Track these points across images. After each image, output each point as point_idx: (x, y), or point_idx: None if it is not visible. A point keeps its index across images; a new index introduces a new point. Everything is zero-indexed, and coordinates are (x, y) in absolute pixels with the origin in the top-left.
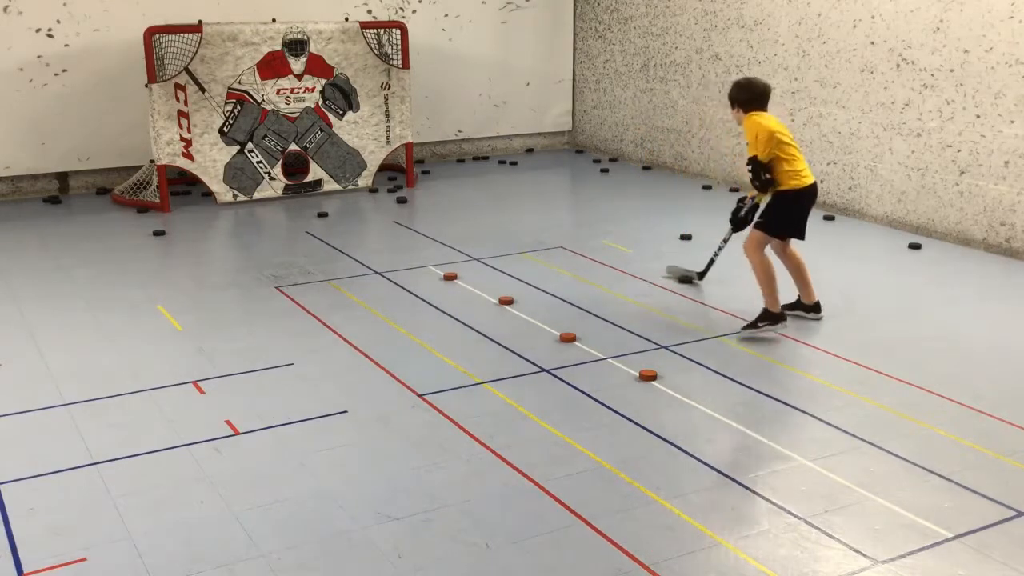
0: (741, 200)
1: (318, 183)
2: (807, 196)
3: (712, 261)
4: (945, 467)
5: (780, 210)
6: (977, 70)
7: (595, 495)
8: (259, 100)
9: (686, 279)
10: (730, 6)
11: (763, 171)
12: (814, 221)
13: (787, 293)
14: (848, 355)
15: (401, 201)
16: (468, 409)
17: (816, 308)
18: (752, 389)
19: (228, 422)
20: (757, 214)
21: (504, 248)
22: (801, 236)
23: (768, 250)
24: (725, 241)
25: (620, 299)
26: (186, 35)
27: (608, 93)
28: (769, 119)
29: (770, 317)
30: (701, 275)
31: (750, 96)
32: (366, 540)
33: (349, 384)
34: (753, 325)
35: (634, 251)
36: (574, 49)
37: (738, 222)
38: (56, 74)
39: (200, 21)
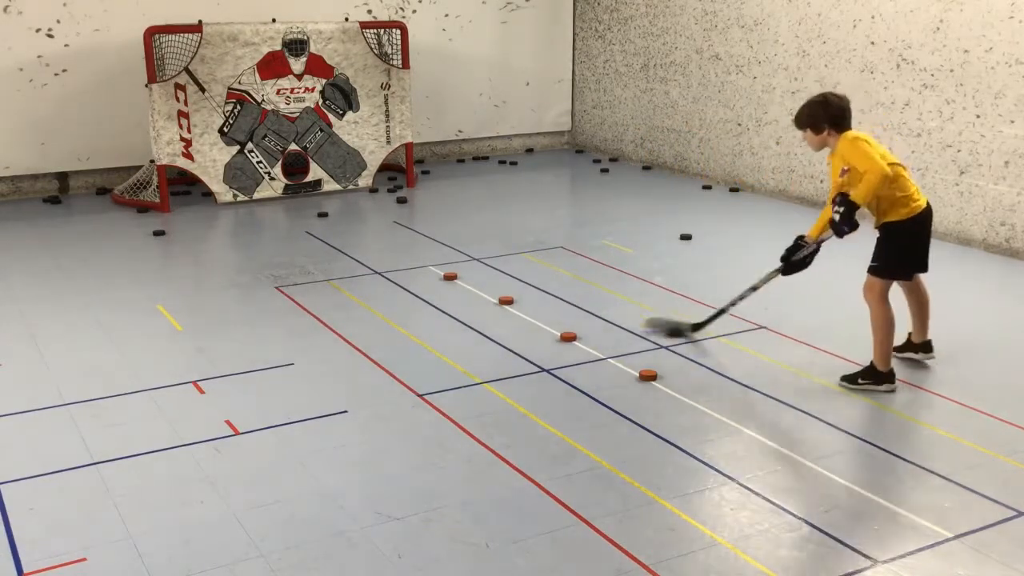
0: (800, 239)
1: (318, 183)
2: (922, 222)
3: (722, 311)
4: (945, 467)
5: (894, 246)
6: (977, 70)
7: (595, 495)
8: (259, 100)
9: (676, 332)
10: (730, 6)
11: (854, 212)
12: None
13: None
14: (848, 355)
15: (401, 201)
16: (468, 409)
17: (926, 347)
18: (752, 389)
19: (228, 422)
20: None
21: (504, 248)
22: (924, 268)
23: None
24: (754, 289)
25: (620, 299)
26: (186, 35)
27: (608, 93)
28: (871, 141)
29: (874, 376)
30: (698, 327)
31: (841, 111)
32: (366, 540)
33: (349, 384)
34: (853, 380)
35: (634, 251)
36: (574, 49)
37: (793, 265)
38: (56, 74)
39: (200, 21)
